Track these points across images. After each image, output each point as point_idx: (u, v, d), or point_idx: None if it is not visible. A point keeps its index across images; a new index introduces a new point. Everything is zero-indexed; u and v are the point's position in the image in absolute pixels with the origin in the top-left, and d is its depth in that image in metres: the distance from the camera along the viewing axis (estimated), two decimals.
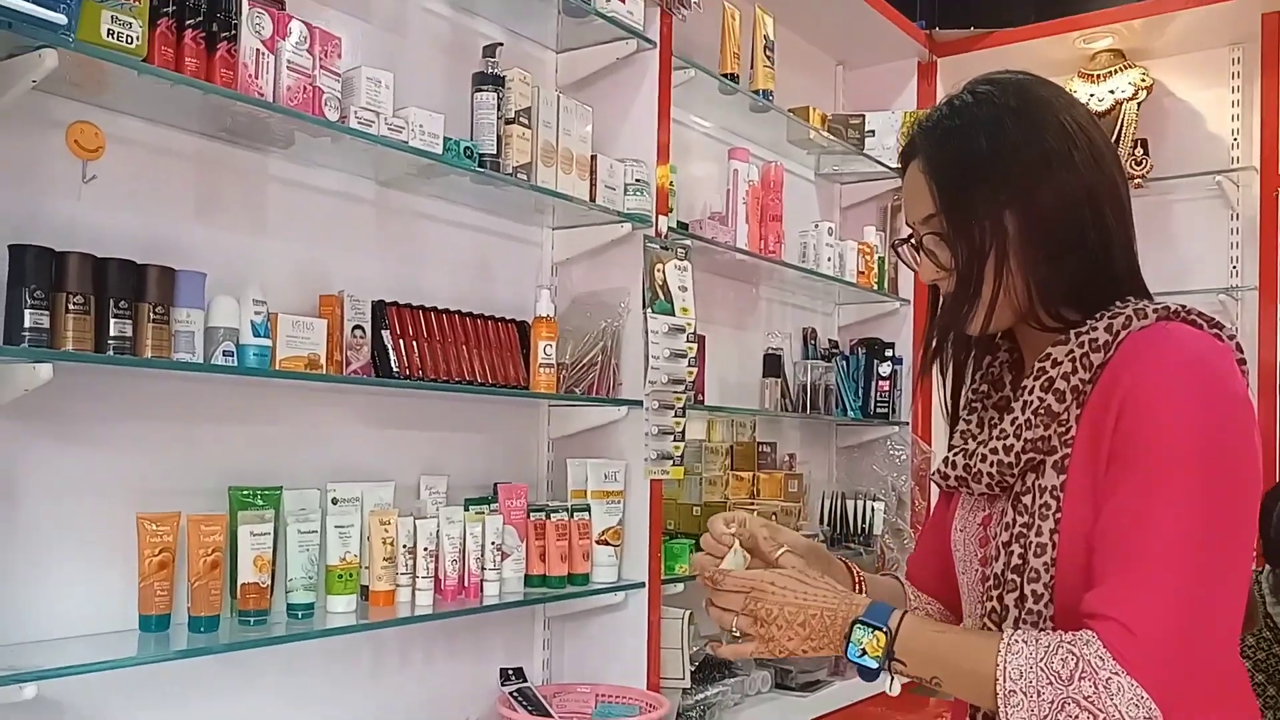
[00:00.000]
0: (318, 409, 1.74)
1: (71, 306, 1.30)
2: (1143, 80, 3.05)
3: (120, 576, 1.44)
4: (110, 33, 1.25)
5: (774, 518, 2.37)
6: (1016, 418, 0.99)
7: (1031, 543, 0.96)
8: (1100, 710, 0.84)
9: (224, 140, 1.59)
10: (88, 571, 1.44)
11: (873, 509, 2.80)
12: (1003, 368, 1.11)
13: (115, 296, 1.34)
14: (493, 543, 1.83)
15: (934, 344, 1.06)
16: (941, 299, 1.05)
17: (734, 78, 2.36)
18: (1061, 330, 0.98)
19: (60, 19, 1.17)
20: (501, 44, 1.88)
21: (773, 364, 2.71)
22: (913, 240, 1.05)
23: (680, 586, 2.16)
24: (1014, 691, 0.87)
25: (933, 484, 1.12)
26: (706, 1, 2.19)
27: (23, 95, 1.26)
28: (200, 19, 1.38)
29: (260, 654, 1.60)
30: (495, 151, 1.82)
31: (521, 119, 1.86)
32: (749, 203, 2.44)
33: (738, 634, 1.00)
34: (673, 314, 2.11)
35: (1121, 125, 3.06)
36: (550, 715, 1.88)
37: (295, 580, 1.58)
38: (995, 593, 0.99)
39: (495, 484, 1.96)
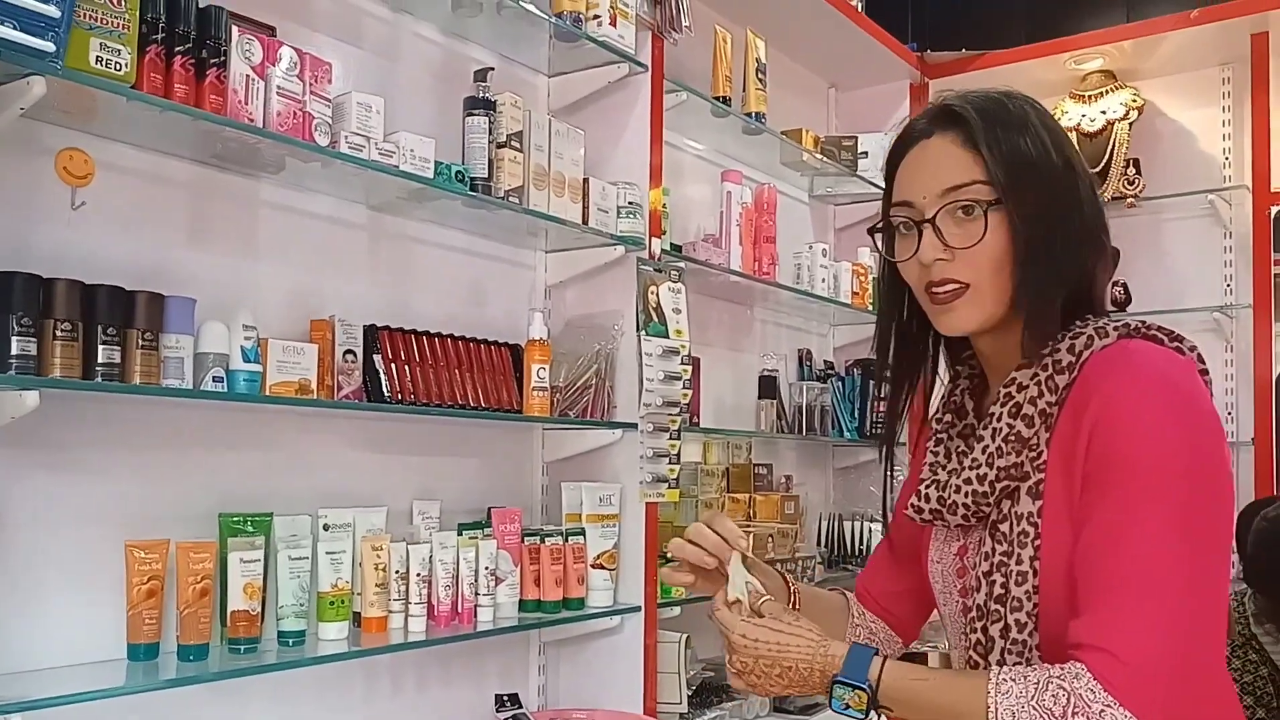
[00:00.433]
0: (309, 434, 1.73)
1: (59, 333, 1.30)
2: (1134, 100, 3.07)
3: (108, 605, 1.42)
4: (99, 60, 1.26)
5: (770, 540, 2.36)
6: (987, 445, 0.98)
7: (1013, 571, 0.95)
8: None
9: (214, 166, 1.60)
10: (76, 600, 1.43)
11: (870, 530, 2.78)
12: (964, 395, 1.09)
13: (103, 323, 1.33)
14: (486, 568, 1.82)
15: (1031, 322, 0.96)
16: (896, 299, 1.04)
17: (726, 100, 2.37)
18: (1029, 350, 0.98)
19: (48, 46, 1.18)
20: (493, 69, 1.89)
21: (768, 385, 2.70)
22: (907, 220, 1.00)
23: (677, 610, 2.15)
24: None
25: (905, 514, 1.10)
26: (698, 25, 2.20)
27: (11, 122, 1.26)
28: (189, 46, 1.38)
29: (251, 682, 1.58)
30: (487, 175, 1.82)
31: (513, 143, 1.87)
32: (743, 224, 2.44)
33: (732, 670, 1.00)
34: (667, 336, 2.10)
35: (1114, 145, 3.07)
36: None
37: (286, 607, 1.56)
38: (979, 624, 0.98)
39: (489, 508, 1.94)
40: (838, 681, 0.93)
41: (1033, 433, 0.95)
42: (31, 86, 1.21)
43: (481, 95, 1.84)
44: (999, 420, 0.97)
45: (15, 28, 1.15)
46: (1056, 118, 3.08)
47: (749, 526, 2.40)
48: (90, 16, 1.25)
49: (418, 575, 1.71)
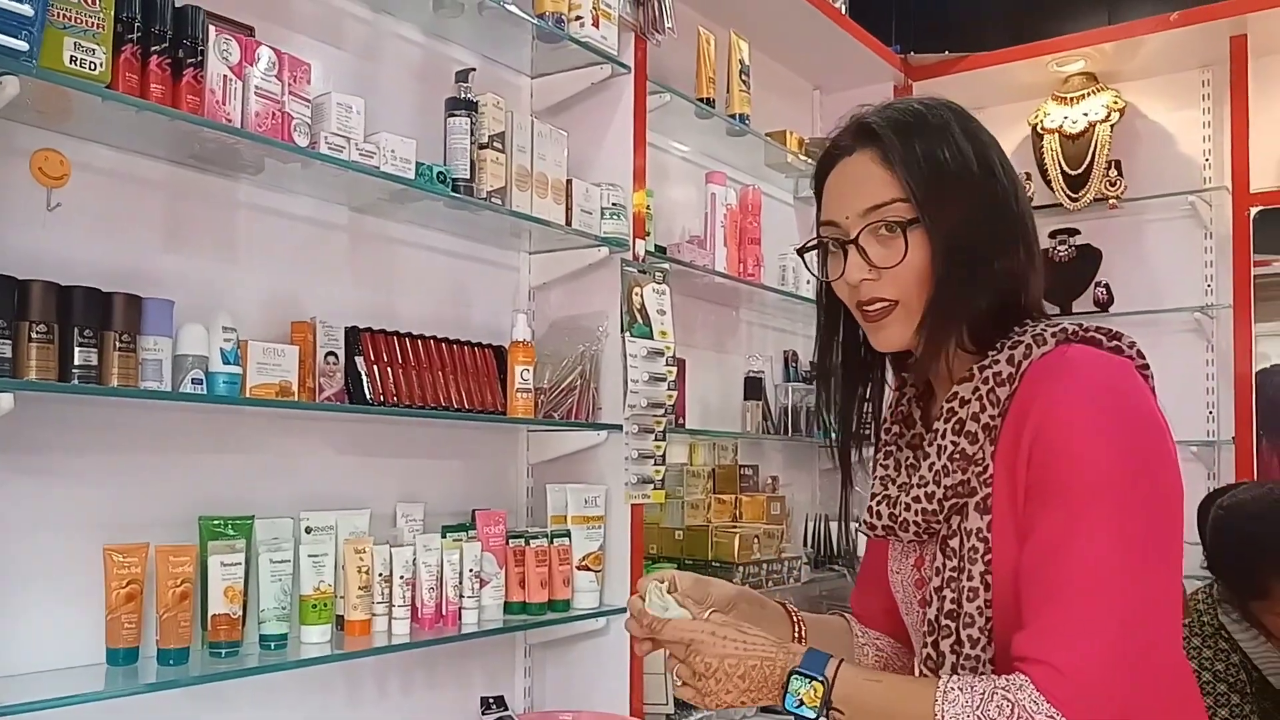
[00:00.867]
0: (290, 437, 1.72)
1: (35, 335, 1.28)
2: (1115, 103, 3.09)
3: (87, 609, 1.41)
4: (73, 59, 1.24)
5: (756, 541, 2.36)
6: (934, 463, 0.97)
7: (964, 587, 0.95)
8: None
9: (192, 167, 1.59)
10: (54, 604, 1.41)
11: (856, 531, 2.79)
12: (911, 404, 1.09)
13: (80, 325, 1.32)
14: (471, 570, 1.81)
15: (930, 340, 0.97)
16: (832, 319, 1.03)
17: (710, 102, 2.37)
18: (966, 360, 0.97)
19: (22, 46, 1.17)
20: (474, 69, 1.88)
21: (754, 387, 2.71)
22: (834, 240, 1.00)
23: None
24: None
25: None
26: (681, 26, 2.21)
27: None
28: (165, 45, 1.37)
29: (233, 686, 1.57)
30: (469, 176, 1.82)
31: (495, 144, 1.86)
32: (727, 226, 2.45)
33: (678, 681, 0.99)
34: (651, 337, 2.10)
35: (1095, 147, 3.09)
36: None
37: (268, 611, 1.55)
38: (930, 639, 0.98)
39: (473, 510, 1.94)
40: (795, 673, 0.93)
41: (977, 448, 0.95)
42: (4, 86, 1.20)
43: (463, 96, 1.84)
44: (943, 437, 0.97)
45: None
46: (1038, 118, 3.15)
47: (735, 527, 2.40)
48: (64, 16, 1.23)
49: (401, 578, 1.70)
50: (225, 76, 1.44)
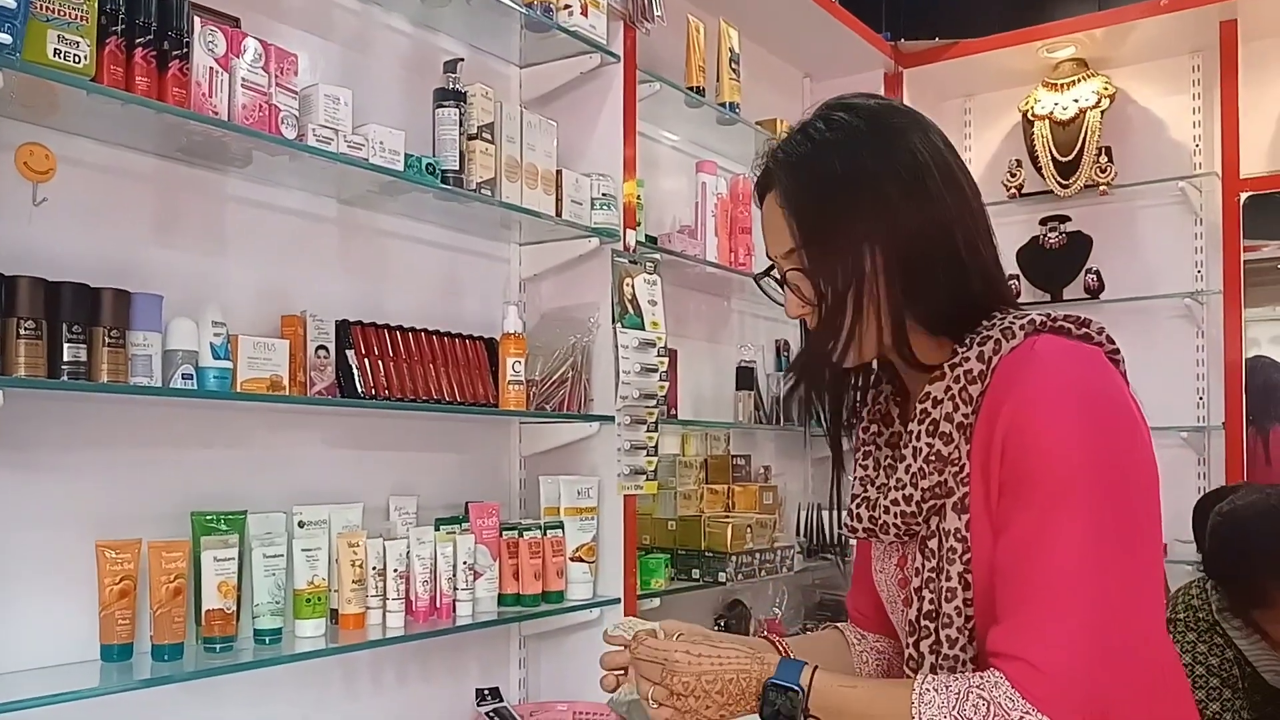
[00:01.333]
0: (282, 431, 1.72)
1: (23, 332, 1.27)
2: (1106, 89, 3.09)
3: (81, 605, 1.41)
4: (57, 52, 1.23)
5: (749, 531, 2.36)
6: (910, 465, 0.97)
7: (942, 588, 0.95)
8: None
9: (180, 160, 1.57)
10: (47, 602, 1.41)
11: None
12: (888, 402, 1.08)
13: (68, 321, 1.31)
14: (465, 562, 1.81)
15: (797, 383, 1.01)
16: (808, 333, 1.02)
17: (700, 91, 2.36)
18: (930, 364, 0.97)
19: (5, 39, 1.16)
20: (463, 59, 1.87)
21: (746, 377, 2.71)
22: (775, 274, 1.02)
23: (656, 601, 2.15)
24: None
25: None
26: (670, 15, 2.19)
27: None
28: (150, 37, 1.36)
29: (227, 681, 1.57)
30: (458, 168, 1.81)
31: (484, 134, 1.85)
32: (718, 215, 2.44)
33: (654, 704, 0.98)
34: (643, 328, 2.10)
35: (1086, 133, 3.09)
36: None
37: (262, 605, 1.55)
38: (911, 640, 0.98)
39: (466, 503, 1.94)
40: (771, 684, 0.93)
41: (952, 448, 0.94)
42: None
43: (452, 86, 1.83)
44: (918, 439, 0.96)
45: None
46: (1029, 105, 3.15)
47: (728, 517, 2.41)
48: (47, 8, 1.22)
49: (395, 571, 1.70)
50: (211, 69, 1.43)
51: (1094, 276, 3.12)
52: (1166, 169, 3.07)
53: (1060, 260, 3.18)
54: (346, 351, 1.69)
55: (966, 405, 0.93)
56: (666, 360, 2.13)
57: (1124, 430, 0.89)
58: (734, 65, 2.48)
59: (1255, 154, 2.89)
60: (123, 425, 1.50)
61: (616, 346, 2.03)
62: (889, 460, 1.04)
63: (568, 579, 1.98)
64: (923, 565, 0.97)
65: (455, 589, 1.80)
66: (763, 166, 1.02)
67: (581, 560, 2.00)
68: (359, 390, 1.68)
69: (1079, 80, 3.13)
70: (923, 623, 0.96)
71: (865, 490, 1.05)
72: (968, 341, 0.95)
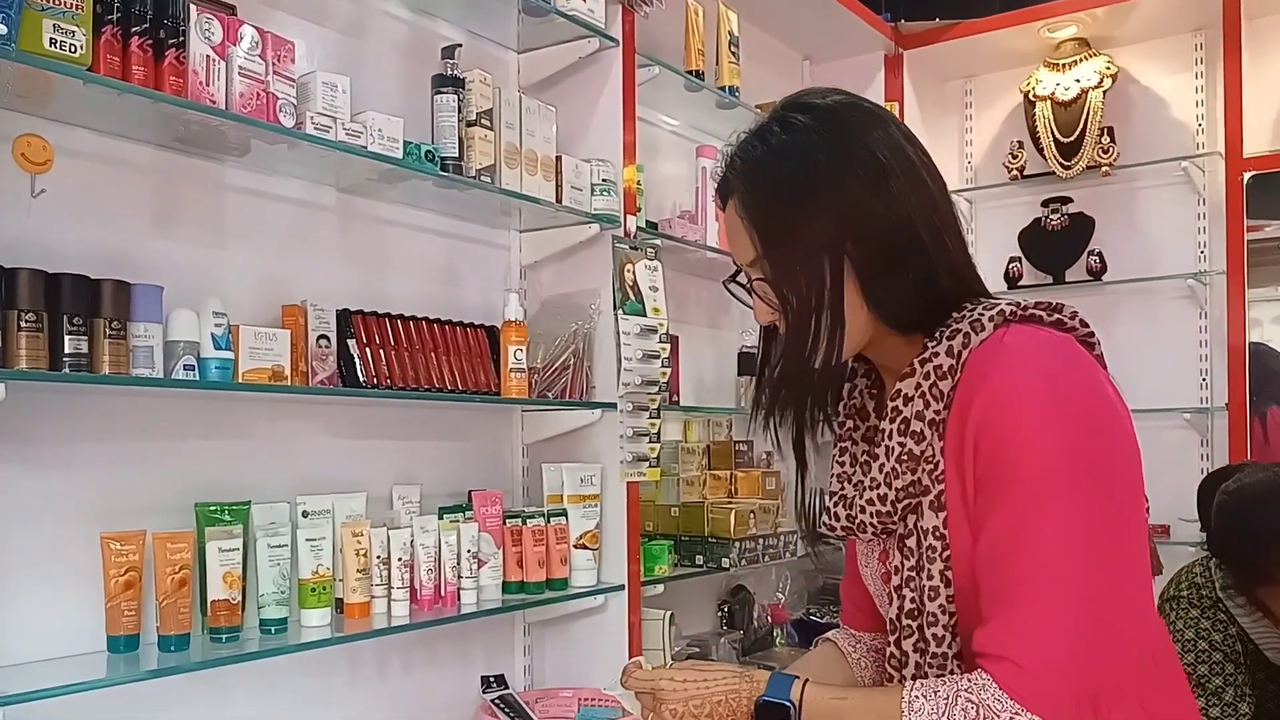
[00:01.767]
0: (284, 421, 1.71)
1: (24, 324, 1.27)
2: (1108, 68, 3.07)
3: (86, 597, 1.41)
4: (53, 42, 1.22)
5: (752, 516, 2.37)
6: (884, 464, 0.96)
7: (924, 586, 0.94)
8: None
9: (177, 150, 1.57)
10: (52, 594, 1.41)
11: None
12: (863, 395, 1.07)
13: (69, 313, 1.31)
14: (469, 550, 1.81)
15: (773, 397, 0.99)
16: (772, 340, 1.01)
17: (699, 74, 2.35)
18: (907, 352, 0.96)
19: (0, 29, 1.14)
20: (460, 45, 1.86)
21: (748, 362, 2.70)
22: (741, 280, 1.01)
23: (660, 588, 2.15)
24: None
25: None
26: None
27: None
28: (146, 26, 1.34)
29: (234, 671, 1.57)
30: (457, 155, 1.80)
31: (483, 121, 1.84)
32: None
33: None
34: (644, 315, 2.09)
35: (1088, 113, 3.08)
36: None
37: (267, 595, 1.55)
38: (893, 638, 0.98)
39: (469, 491, 1.94)
40: (762, 702, 0.94)
41: (925, 445, 0.93)
42: None
43: (450, 73, 1.82)
44: (890, 438, 0.95)
45: None
46: (1030, 85, 3.13)
47: (731, 503, 2.41)
48: None
49: (399, 560, 1.71)
50: (208, 57, 1.41)
51: (1096, 258, 3.11)
52: (1169, 149, 3.06)
53: (1062, 242, 3.17)
54: (348, 341, 1.68)
55: (938, 401, 0.92)
56: (668, 346, 2.13)
57: (1098, 417, 0.88)
58: (733, 48, 2.46)
59: (1258, 133, 2.87)
60: (125, 417, 1.50)
61: (618, 333, 2.03)
62: (865, 456, 1.03)
63: (571, 566, 1.99)
64: (902, 564, 0.96)
65: (459, 577, 1.80)
66: (721, 173, 1.00)
67: (585, 547, 2.00)
68: (361, 379, 1.68)
69: (1081, 60, 3.10)
70: (904, 621, 0.96)
71: (843, 488, 1.04)
72: (937, 336, 0.94)
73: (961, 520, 0.92)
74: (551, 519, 1.96)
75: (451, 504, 1.91)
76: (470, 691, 1.98)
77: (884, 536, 1.01)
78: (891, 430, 0.95)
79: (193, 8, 1.40)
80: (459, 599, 1.80)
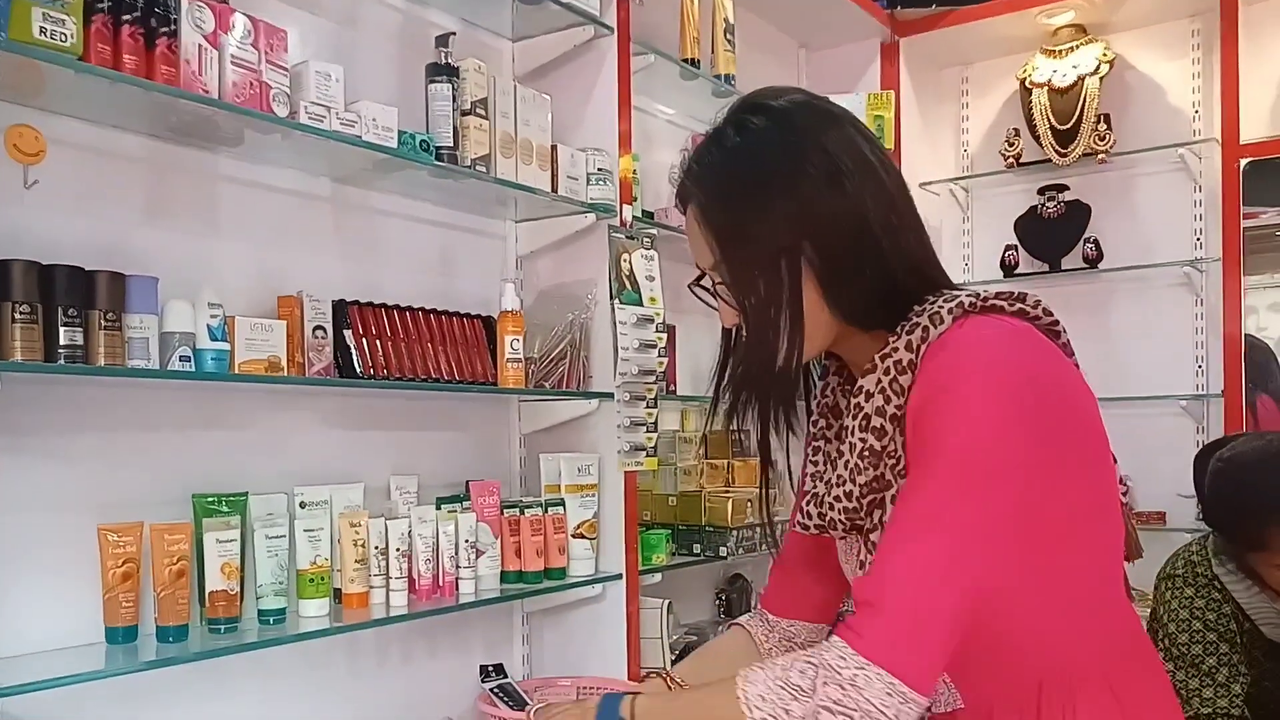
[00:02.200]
0: (281, 412, 1.71)
1: (18, 316, 1.26)
2: (1105, 55, 3.06)
3: (84, 589, 1.41)
4: (43, 30, 1.21)
5: (749, 505, 2.37)
6: (848, 460, 0.96)
7: None
8: (852, 708, 0.81)
9: (171, 140, 1.56)
10: (50, 586, 1.41)
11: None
12: (835, 394, 1.07)
13: (63, 304, 1.30)
14: (467, 540, 1.81)
15: (734, 399, 0.99)
16: (733, 342, 1.01)
17: (695, 63, 2.34)
18: (870, 348, 0.96)
19: None
20: (455, 33, 1.85)
21: None
22: (706, 284, 1.01)
23: (658, 577, 2.16)
24: (765, 718, 0.84)
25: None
26: None
27: None
28: (137, 14, 1.33)
29: (234, 661, 1.57)
30: (452, 144, 1.79)
31: (478, 110, 1.83)
32: None
33: None
34: (641, 304, 2.09)
35: (1084, 101, 3.07)
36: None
37: (265, 586, 1.55)
38: None
39: (467, 482, 1.94)
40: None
41: (886, 440, 0.92)
42: None
43: (444, 62, 1.81)
44: (853, 434, 0.95)
45: None
46: (1027, 72, 3.12)
47: (728, 492, 2.41)
48: None
49: (397, 550, 1.71)
50: (200, 46, 1.40)
51: (1092, 246, 3.10)
52: (1165, 136, 3.05)
53: (1059, 230, 3.17)
54: (344, 331, 1.68)
55: (899, 396, 0.92)
56: (665, 336, 2.13)
57: (1039, 407, 0.87)
58: (729, 36, 2.45)
59: (1255, 119, 2.87)
60: (121, 409, 1.50)
61: (615, 323, 2.02)
62: (835, 454, 1.03)
63: (569, 556, 1.99)
64: (867, 558, 0.97)
65: (458, 567, 1.80)
66: (679, 178, 1.00)
67: (583, 537, 2.00)
68: (357, 370, 1.68)
69: (1077, 46, 3.10)
70: None
71: (814, 486, 1.04)
72: (898, 331, 0.94)
73: None
74: (549, 509, 1.96)
75: (449, 494, 1.91)
76: (469, 681, 1.99)
77: (854, 533, 1.01)
78: (854, 426, 0.95)
79: None
80: (457, 589, 1.80)
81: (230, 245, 1.65)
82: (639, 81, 2.17)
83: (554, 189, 1.98)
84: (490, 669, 1.97)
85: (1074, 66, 3.08)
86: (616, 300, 2.03)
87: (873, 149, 0.97)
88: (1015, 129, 3.20)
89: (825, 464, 1.04)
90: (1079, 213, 3.16)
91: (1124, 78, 3.12)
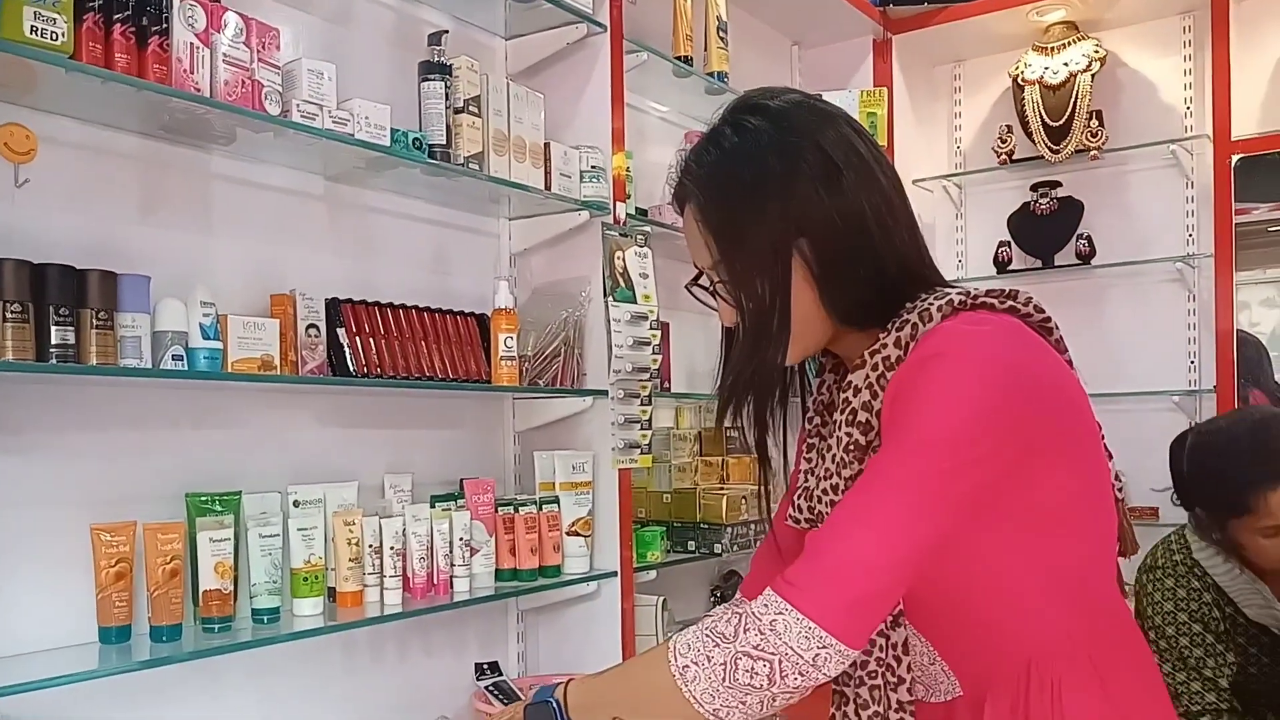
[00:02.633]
0: (274, 411, 1.71)
1: (9, 315, 1.26)
2: (1096, 52, 3.07)
3: (77, 588, 1.40)
4: (34, 29, 1.21)
5: (744, 502, 2.37)
6: (835, 454, 0.97)
7: None
8: (772, 653, 0.83)
9: (163, 138, 1.55)
10: (43, 585, 1.40)
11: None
12: (832, 391, 1.08)
13: (55, 303, 1.30)
14: (461, 539, 1.81)
15: (730, 397, 1.01)
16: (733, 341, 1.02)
17: (688, 60, 2.34)
18: (862, 344, 0.97)
19: None
20: (447, 31, 1.85)
21: None
22: (704, 284, 1.02)
23: (653, 574, 2.16)
24: (687, 666, 0.86)
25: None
26: None
27: None
28: (129, 13, 1.33)
29: (228, 660, 1.57)
30: (445, 142, 1.79)
31: (471, 108, 1.83)
32: None
33: None
34: (634, 302, 2.09)
35: (1076, 97, 3.07)
36: None
37: (259, 585, 1.55)
38: None
39: (461, 480, 1.94)
40: (527, 708, 0.97)
41: (872, 436, 0.93)
42: None
43: (437, 59, 1.80)
44: (840, 429, 0.96)
45: None
46: (1019, 69, 3.13)
47: (723, 489, 2.42)
48: None
49: (391, 548, 1.71)
50: (192, 44, 1.40)
51: (1085, 242, 3.11)
52: (1157, 132, 3.06)
53: (1051, 226, 3.17)
54: (337, 330, 1.68)
55: (885, 392, 0.92)
56: (659, 333, 2.13)
57: (1018, 392, 0.88)
58: (722, 34, 2.45)
59: (1247, 116, 2.88)
60: (114, 407, 1.49)
61: (608, 320, 2.03)
62: (826, 449, 1.03)
63: (564, 553, 1.99)
64: None
65: (452, 565, 1.80)
66: (677, 179, 1.01)
67: (578, 534, 2.01)
68: (351, 368, 1.68)
69: (1069, 44, 3.10)
70: None
71: (806, 481, 1.05)
72: (889, 328, 0.95)
73: None
74: (543, 506, 1.96)
75: (443, 492, 1.91)
76: (464, 679, 1.99)
77: None
78: (841, 421, 0.96)
79: None
80: (452, 587, 1.80)
81: (223, 243, 1.65)
82: (632, 79, 2.17)
83: (547, 187, 1.98)
84: (485, 667, 1.97)
85: (1065, 63, 3.09)
86: (610, 298, 2.03)
87: (869, 147, 0.97)
88: (1008, 126, 3.21)
89: (818, 460, 1.05)
90: (1072, 209, 3.17)
91: (1116, 74, 3.13)
